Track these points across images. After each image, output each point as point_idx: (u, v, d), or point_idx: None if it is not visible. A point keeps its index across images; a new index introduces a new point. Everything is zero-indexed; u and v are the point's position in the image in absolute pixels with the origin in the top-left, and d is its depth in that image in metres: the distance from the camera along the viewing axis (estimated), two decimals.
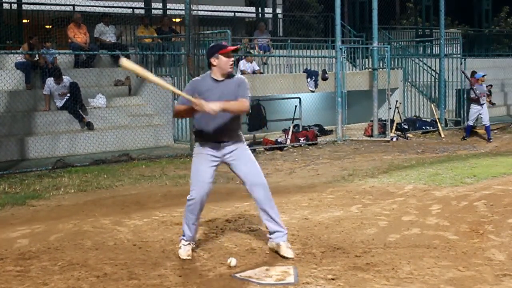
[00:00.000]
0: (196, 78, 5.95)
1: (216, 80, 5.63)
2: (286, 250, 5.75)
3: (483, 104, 15.67)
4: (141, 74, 5.79)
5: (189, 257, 5.74)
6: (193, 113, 5.58)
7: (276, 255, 5.78)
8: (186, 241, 5.81)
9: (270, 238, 5.89)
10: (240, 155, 5.74)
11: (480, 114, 15.75)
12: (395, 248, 6.00)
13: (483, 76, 15.81)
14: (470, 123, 15.98)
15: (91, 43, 15.75)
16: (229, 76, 5.66)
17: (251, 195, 5.84)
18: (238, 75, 5.78)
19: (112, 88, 14.98)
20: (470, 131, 16.14)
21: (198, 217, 5.80)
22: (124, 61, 5.68)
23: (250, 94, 5.72)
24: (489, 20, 28.29)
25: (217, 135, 5.64)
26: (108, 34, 16.02)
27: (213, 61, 5.60)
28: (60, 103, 13.45)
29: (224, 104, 5.43)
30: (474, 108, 15.77)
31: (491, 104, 17.66)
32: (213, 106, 5.36)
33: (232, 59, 5.70)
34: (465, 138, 15.90)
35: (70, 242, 6.42)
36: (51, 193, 9.14)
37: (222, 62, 5.59)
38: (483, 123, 15.83)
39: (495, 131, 17.01)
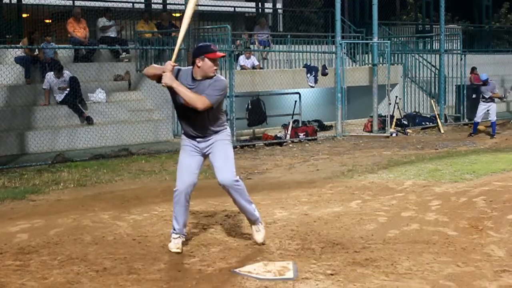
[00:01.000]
0: (184, 68, 5.80)
1: (195, 79, 5.55)
2: (255, 234, 5.95)
3: (492, 101, 15.67)
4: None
5: (179, 250, 5.74)
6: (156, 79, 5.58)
7: (274, 251, 5.79)
8: (176, 234, 5.80)
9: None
10: (216, 149, 5.70)
11: (488, 110, 15.73)
12: (395, 243, 6.01)
13: (486, 80, 15.71)
14: (478, 120, 15.95)
15: (90, 37, 15.74)
16: (209, 77, 5.57)
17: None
18: (218, 75, 5.67)
19: (112, 83, 14.97)
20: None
21: (186, 209, 5.78)
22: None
23: (218, 96, 5.52)
24: (490, 16, 28.26)
25: (192, 132, 5.67)
26: (109, 29, 16.01)
27: (198, 62, 5.52)
28: (59, 97, 13.44)
29: (178, 85, 5.43)
30: (483, 105, 15.75)
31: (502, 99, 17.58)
32: (167, 80, 5.41)
33: (217, 64, 5.61)
34: (472, 134, 15.90)
35: (70, 236, 6.42)
36: (50, 188, 9.14)
37: (206, 65, 5.51)
38: (489, 118, 15.82)
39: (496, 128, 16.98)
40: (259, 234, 5.95)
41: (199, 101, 5.42)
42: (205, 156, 5.78)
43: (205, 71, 5.52)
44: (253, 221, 5.96)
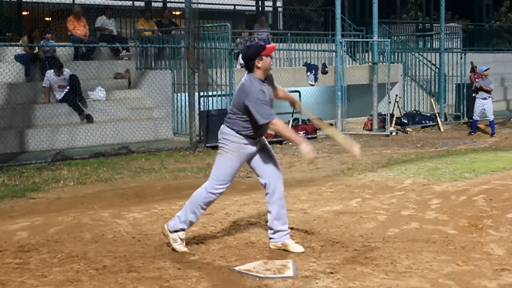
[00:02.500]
0: (256, 84, 5.46)
1: (263, 81, 5.53)
2: (295, 246, 5.74)
3: (486, 98, 15.68)
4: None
5: (186, 249, 5.75)
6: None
7: (274, 249, 5.78)
8: (184, 233, 5.77)
9: (272, 238, 5.81)
10: (265, 149, 5.74)
11: (483, 108, 15.74)
12: (394, 242, 6.01)
13: (485, 70, 15.79)
14: (476, 117, 15.96)
15: (90, 35, 15.73)
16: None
17: (268, 188, 5.71)
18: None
19: (112, 81, 14.97)
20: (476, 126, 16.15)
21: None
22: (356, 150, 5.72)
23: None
24: (490, 14, 28.25)
25: (262, 133, 5.68)
26: (109, 27, 16.01)
27: (258, 63, 5.46)
28: (59, 95, 13.44)
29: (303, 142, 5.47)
30: (479, 102, 15.77)
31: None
32: (310, 153, 5.44)
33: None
34: (472, 133, 15.90)
35: (69, 234, 6.42)
36: (50, 186, 9.14)
37: (266, 62, 5.50)
38: (487, 117, 15.83)
39: (495, 126, 16.98)
40: (296, 246, 5.76)
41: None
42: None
43: (267, 68, 5.53)
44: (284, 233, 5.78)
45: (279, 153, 12.68)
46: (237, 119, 5.52)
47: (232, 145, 5.54)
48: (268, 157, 5.71)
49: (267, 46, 5.59)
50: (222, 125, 5.66)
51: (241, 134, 5.53)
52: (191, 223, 5.78)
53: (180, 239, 5.76)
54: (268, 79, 5.59)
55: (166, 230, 5.79)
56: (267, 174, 5.68)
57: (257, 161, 5.68)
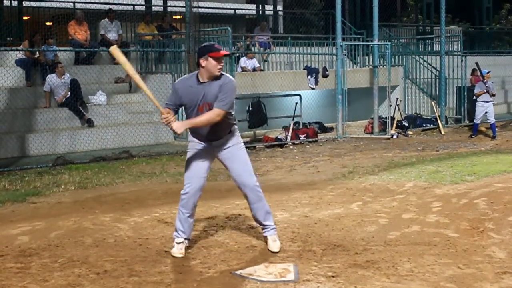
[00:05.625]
0: (182, 78, 5.80)
1: (200, 82, 5.50)
2: (271, 244, 5.85)
3: (488, 101, 15.68)
4: (126, 68, 5.72)
5: (182, 255, 5.73)
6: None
7: (275, 253, 5.78)
8: (180, 238, 5.79)
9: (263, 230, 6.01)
10: (233, 154, 5.71)
11: (486, 112, 15.73)
12: (395, 245, 6.00)
13: (487, 73, 15.79)
14: (478, 121, 15.94)
15: (91, 40, 15.75)
16: (216, 77, 5.51)
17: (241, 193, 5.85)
18: (226, 75, 5.62)
19: (113, 85, 14.98)
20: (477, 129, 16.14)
21: (192, 213, 5.79)
22: (114, 48, 5.63)
23: (230, 99, 5.49)
24: (490, 17, 28.25)
25: (207, 136, 5.63)
26: (112, 30, 16.02)
27: (202, 62, 5.45)
28: (60, 95, 13.41)
29: (190, 122, 5.47)
30: (481, 106, 15.76)
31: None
32: (178, 125, 5.40)
33: (222, 63, 5.54)
34: (473, 136, 15.90)
35: (71, 239, 6.42)
36: (51, 190, 9.14)
37: (211, 64, 5.43)
38: (488, 120, 15.82)
39: (496, 129, 16.97)
40: (275, 244, 5.86)
41: (215, 116, 5.41)
42: (215, 158, 5.79)
43: (210, 71, 5.46)
44: (267, 229, 5.90)
45: (279, 156, 12.69)
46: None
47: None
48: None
49: (219, 50, 5.51)
50: None
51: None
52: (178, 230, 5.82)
53: (177, 243, 5.81)
54: (215, 85, 5.47)
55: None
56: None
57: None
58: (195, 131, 5.69)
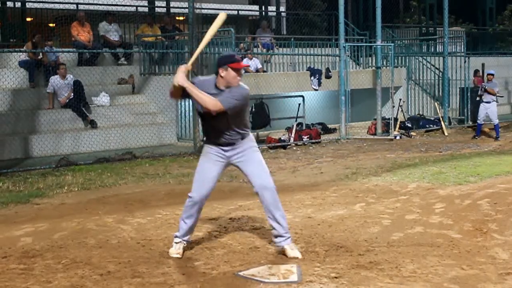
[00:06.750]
0: (204, 77, 5.78)
1: (219, 89, 5.50)
2: (291, 252, 5.70)
3: (489, 102, 15.67)
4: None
5: (179, 256, 5.72)
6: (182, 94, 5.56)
7: (278, 254, 5.78)
8: (179, 238, 5.79)
9: (274, 241, 5.83)
10: (248, 157, 5.66)
11: (487, 112, 15.72)
12: (399, 246, 6.00)
13: (491, 75, 15.76)
14: (481, 121, 15.93)
15: (94, 41, 15.77)
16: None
17: (258, 197, 5.75)
18: (242, 84, 5.59)
19: (116, 86, 15.00)
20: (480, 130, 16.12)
21: (196, 216, 5.77)
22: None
23: (234, 101, 5.43)
24: (493, 18, 28.23)
25: (220, 140, 5.61)
26: (111, 32, 16.04)
27: (221, 72, 5.45)
28: (63, 96, 13.43)
29: (191, 87, 5.39)
30: (483, 105, 15.75)
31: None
32: (182, 78, 5.37)
33: (241, 75, 5.54)
34: (476, 137, 15.88)
35: (74, 240, 6.43)
36: (54, 191, 9.15)
37: (230, 75, 5.44)
38: (491, 121, 15.81)
39: (499, 130, 16.96)
40: (294, 251, 5.71)
41: (210, 103, 5.36)
42: (228, 166, 5.76)
43: (229, 81, 5.46)
44: (281, 235, 5.72)
45: (282, 157, 12.69)
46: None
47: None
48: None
49: (239, 61, 5.54)
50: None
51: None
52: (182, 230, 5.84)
53: (175, 243, 5.83)
54: (228, 89, 5.47)
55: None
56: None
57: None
58: (210, 136, 5.68)
